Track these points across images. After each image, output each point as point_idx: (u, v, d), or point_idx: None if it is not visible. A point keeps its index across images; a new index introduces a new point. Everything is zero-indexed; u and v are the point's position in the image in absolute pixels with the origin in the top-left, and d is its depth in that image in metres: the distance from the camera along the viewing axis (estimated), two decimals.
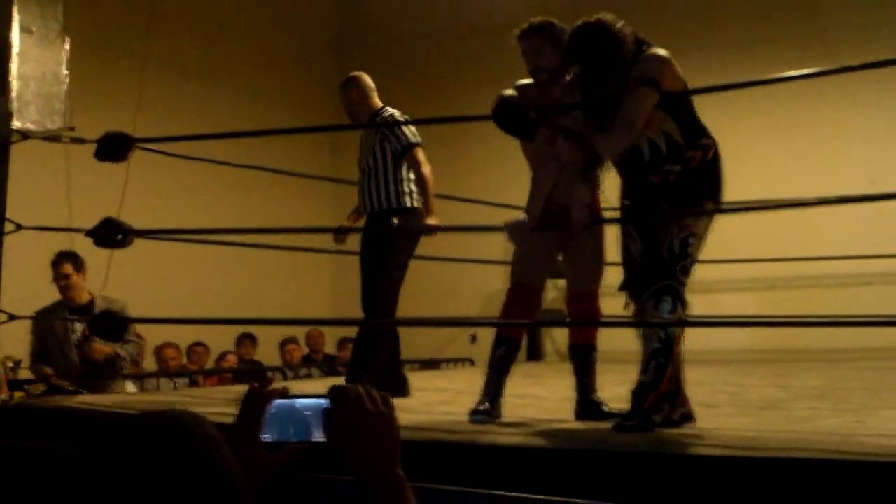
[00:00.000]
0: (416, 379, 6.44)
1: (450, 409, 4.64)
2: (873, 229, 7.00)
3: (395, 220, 5.13)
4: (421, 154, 5.10)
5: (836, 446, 3.04)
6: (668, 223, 3.60)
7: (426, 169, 5.07)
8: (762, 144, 7.98)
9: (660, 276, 3.58)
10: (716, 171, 3.71)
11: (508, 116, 3.77)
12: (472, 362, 8.04)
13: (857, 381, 5.61)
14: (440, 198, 6.01)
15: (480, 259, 7.82)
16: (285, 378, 7.35)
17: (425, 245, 7.83)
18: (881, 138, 7.75)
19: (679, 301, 3.60)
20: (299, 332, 8.25)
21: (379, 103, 5.37)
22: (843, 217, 6.12)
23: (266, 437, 1.58)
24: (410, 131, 5.15)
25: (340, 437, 1.49)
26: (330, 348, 8.64)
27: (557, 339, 8.51)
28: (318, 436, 1.54)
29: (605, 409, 4.07)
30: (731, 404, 4.72)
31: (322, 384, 6.30)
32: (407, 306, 8.23)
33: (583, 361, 4.18)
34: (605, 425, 3.70)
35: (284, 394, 1.60)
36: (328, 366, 8.16)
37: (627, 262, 3.75)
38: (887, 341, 5.64)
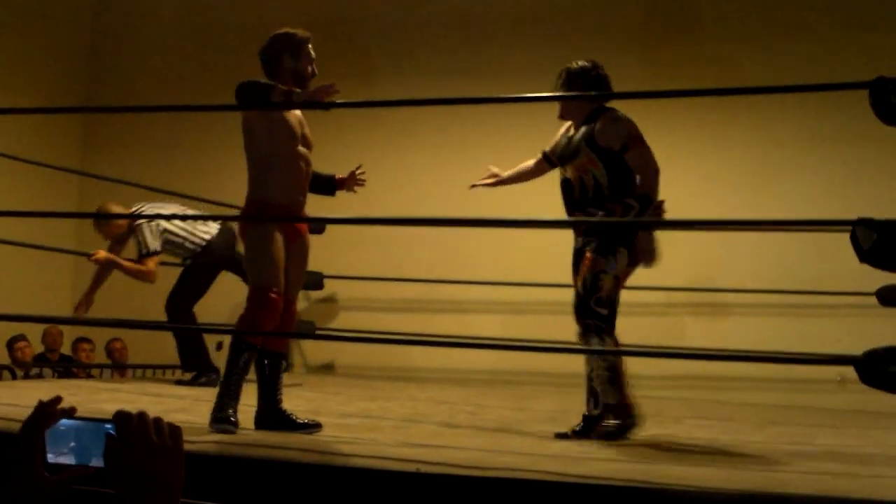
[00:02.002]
0: (156, 387, 6.21)
1: (188, 417, 4.48)
2: None
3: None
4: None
5: (560, 468, 3.14)
6: (588, 262, 4.26)
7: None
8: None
9: (581, 310, 4.28)
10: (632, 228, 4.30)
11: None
12: (217, 371, 7.80)
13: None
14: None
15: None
16: (14, 377, 6.89)
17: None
18: None
19: (603, 335, 4.25)
20: (31, 329, 7.75)
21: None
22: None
23: (50, 457, 1.51)
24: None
25: (117, 465, 1.41)
26: (66, 348, 8.17)
27: (307, 351, 8.42)
28: (98, 461, 1.47)
29: (296, 420, 4.08)
30: (469, 425, 4.80)
31: (56, 385, 5.95)
32: (151, 312, 7.96)
33: (273, 369, 4.18)
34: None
35: (71, 413, 1.53)
36: (63, 366, 7.72)
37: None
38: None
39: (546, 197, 7.63)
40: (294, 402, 5.47)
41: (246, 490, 3.19)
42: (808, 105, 7.13)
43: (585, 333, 4.28)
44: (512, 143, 8.00)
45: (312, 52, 4.25)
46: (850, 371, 3.07)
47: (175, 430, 1.46)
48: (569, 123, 4.52)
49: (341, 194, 4.67)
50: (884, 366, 2.93)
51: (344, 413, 5.00)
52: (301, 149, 4.21)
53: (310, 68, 4.21)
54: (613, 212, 4.26)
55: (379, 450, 3.54)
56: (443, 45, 8.41)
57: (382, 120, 8.28)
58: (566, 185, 4.43)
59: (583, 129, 4.35)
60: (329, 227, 7.18)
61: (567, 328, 7.30)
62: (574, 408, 5.82)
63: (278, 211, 4.14)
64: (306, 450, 3.46)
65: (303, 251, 4.33)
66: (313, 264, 8.04)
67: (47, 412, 1.52)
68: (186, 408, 4.87)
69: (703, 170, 7.25)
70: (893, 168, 7.04)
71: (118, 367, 7.76)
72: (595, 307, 4.25)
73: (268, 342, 4.14)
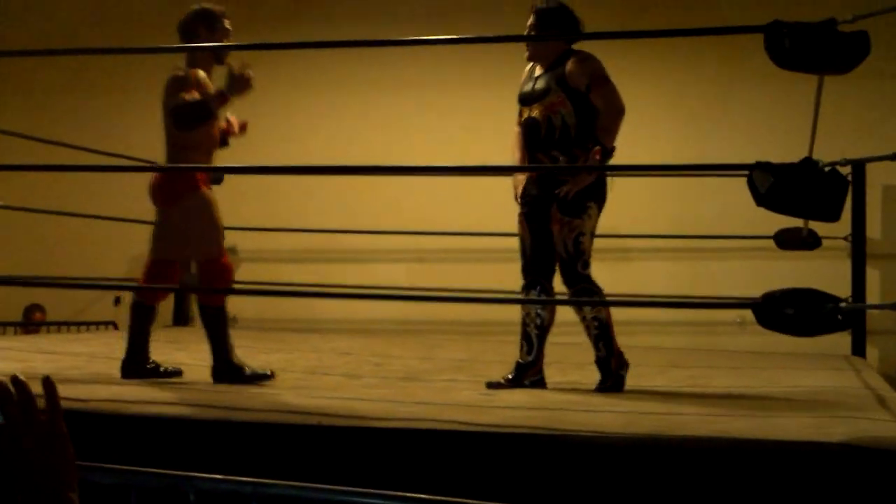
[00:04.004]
0: (51, 343, 6.03)
1: (83, 373, 4.36)
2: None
3: None
4: None
5: (466, 417, 3.13)
6: (561, 226, 4.22)
7: None
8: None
9: (569, 276, 4.26)
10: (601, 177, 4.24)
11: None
12: (115, 325, 7.64)
13: (496, 354, 5.86)
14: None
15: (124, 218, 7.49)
16: None
17: (66, 202, 7.34)
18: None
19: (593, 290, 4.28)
20: None
21: None
22: (488, 192, 6.30)
23: None
24: None
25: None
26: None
27: None
28: None
29: (247, 371, 4.21)
30: (374, 375, 4.76)
31: None
32: (49, 266, 7.73)
33: (219, 322, 4.28)
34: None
35: None
36: None
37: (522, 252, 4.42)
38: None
39: (445, 146, 7.67)
40: (196, 356, 5.38)
41: (140, 449, 3.10)
42: (712, 46, 7.16)
43: (578, 296, 4.28)
44: (438, 84, 7.95)
45: (228, 25, 4.39)
46: (749, 313, 3.10)
47: (57, 410, 1.32)
48: (531, 65, 4.44)
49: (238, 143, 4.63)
50: (780, 308, 2.96)
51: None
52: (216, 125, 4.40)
53: (226, 41, 4.37)
54: (577, 158, 4.20)
55: (280, 402, 3.48)
56: None
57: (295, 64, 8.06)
58: (529, 125, 4.31)
59: (554, 69, 4.27)
60: (227, 177, 7.01)
61: (474, 275, 7.36)
62: (480, 356, 5.86)
63: (203, 182, 4.32)
64: (204, 405, 3.38)
65: None
66: None
67: None
68: (80, 365, 4.74)
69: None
70: (793, 110, 7.13)
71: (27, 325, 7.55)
72: (581, 270, 4.24)
73: (216, 299, 4.31)
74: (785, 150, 7.33)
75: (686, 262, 7.44)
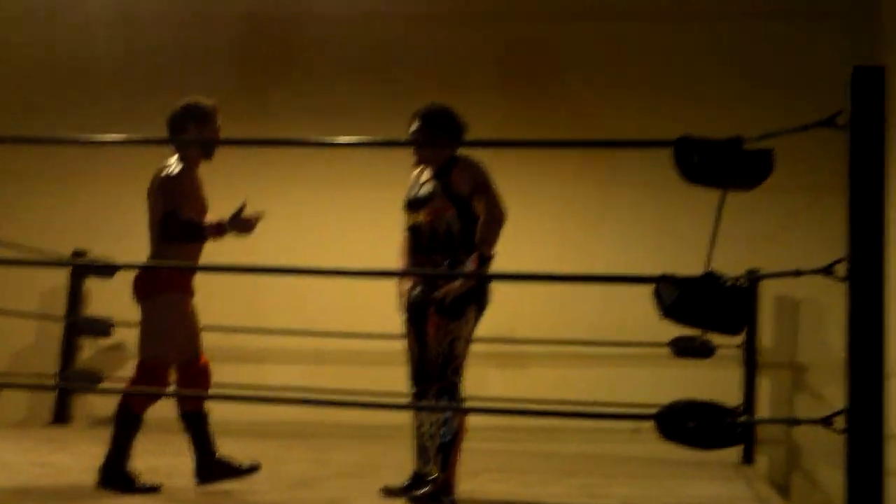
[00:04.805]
0: None
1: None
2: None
3: None
4: None
5: None
6: (437, 328, 4.13)
7: None
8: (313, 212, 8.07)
9: (437, 376, 4.11)
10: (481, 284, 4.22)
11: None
12: None
13: (391, 458, 5.74)
14: None
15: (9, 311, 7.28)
16: None
17: None
18: None
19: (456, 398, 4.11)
20: None
21: None
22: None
23: None
24: None
25: None
26: None
27: (93, 401, 7.94)
28: None
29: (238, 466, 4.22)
30: (266, 480, 4.59)
31: None
32: None
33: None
34: None
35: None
36: None
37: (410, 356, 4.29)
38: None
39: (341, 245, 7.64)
40: (80, 458, 5.12)
41: None
42: (623, 157, 7.32)
43: (438, 395, 4.12)
44: (335, 182, 7.92)
45: (219, 121, 4.33)
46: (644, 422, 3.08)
47: None
48: (419, 170, 4.42)
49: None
50: (683, 421, 2.95)
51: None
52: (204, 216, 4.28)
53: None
54: (461, 262, 4.16)
55: None
56: (293, 84, 8.21)
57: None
58: (415, 231, 4.28)
59: (440, 175, 4.26)
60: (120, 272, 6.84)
61: (370, 378, 7.26)
62: (375, 461, 5.73)
63: (182, 285, 4.22)
64: None
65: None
66: (101, 310, 7.72)
67: None
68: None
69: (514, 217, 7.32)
70: (697, 222, 7.30)
71: None
72: (451, 376, 4.12)
73: (191, 403, 4.21)
74: (667, 258, 7.59)
75: (583, 369, 7.46)
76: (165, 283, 4.15)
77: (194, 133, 4.24)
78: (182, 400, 4.20)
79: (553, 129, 7.43)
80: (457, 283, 4.15)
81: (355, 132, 7.12)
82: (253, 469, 4.21)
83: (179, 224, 4.09)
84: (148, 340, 4.19)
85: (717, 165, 2.95)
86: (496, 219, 4.18)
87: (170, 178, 4.16)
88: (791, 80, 7.48)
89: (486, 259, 4.14)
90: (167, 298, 4.15)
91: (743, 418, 2.95)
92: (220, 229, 4.11)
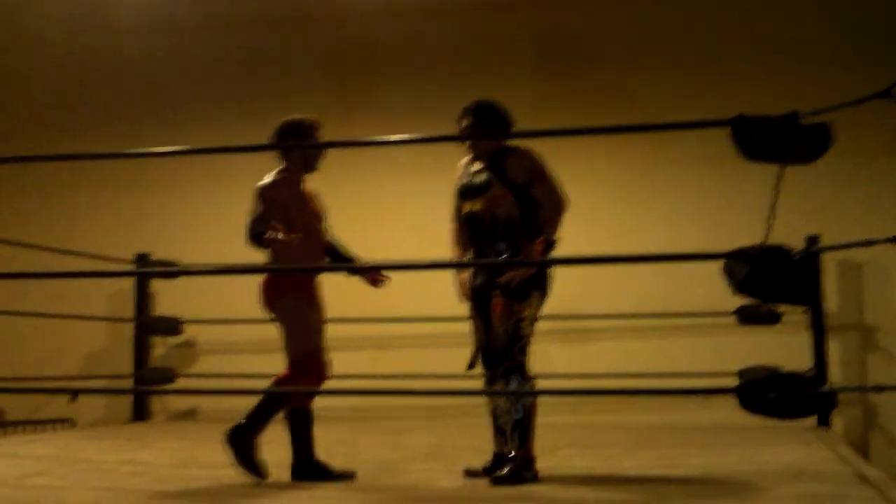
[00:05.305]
0: (9, 444, 5.88)
1: (48, 481, 4.24)
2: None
3: None
4: None
5: None
6: (503, 309, 4.22)
7: None
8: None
9: (504, 356, 4.20)
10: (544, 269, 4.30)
11: None
12: (72, 422, 7.51)
13: (465, 438, 5.81)
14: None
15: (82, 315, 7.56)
16: None
17: (25, 301, 7.30)
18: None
19: (526, 376, 4.20)
20: None
21: None
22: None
23: None
24: None
25: None
26: None
27: (168, 397, 8.12)
28: None
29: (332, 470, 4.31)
30: (347, 466, 4.68)
31: None
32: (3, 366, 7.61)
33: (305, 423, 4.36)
34: None
35: None
36: None
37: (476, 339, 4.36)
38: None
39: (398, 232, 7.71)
40: (163, 454, 5.27)
41: None
42: (680, 136, 7.33)
43: (506, 374, 4.21)
44: (386, 176, 8.00)
45: (319, 135, 4.55)
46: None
47: None
48: (467, 159, 4.48)
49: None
50: (764, 393, 2.98)
51: (214, 463, 4.78)
52: (316, 225, 4.52)
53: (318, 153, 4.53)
54: (522, 247, 4.24)
55: (262, 501, 3.40)
56: (326, 81, 8.31)
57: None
58: (472, 219, 4.35)
59: (492, 164, 4.33)
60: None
61: (436, 360, 7.31)
62: (450, 442, 5.81)
63: (302, 285, 4.42)
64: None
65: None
66: (169, 309, 7.88)
67: None
68: (44, 470, 4.61)
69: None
70: (756, 198, 7.28)
71: None
72: (518, 355, 4.21)
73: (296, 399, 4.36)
74: (715, 230, 7.53)
75: (646, 340, 7.48)
76: (283, 288, 4.36)
77: (296, 150, 4.44)
78: (291, 396, 4.33)
79: (592, 112, 7.45)
80: (525, 269, 4.23)
81: (394, 122, 7.25)
82: (346, 476, 4.30)
83: (249, 231, 4.26)
84: (288, 339, 4.37)
85: (776, 141, 2.97)
86: (557, 204, 4.28)
87: (258, 188, 4.38)
88: (836, 55, 7.42)
89: (550, 244, 4.21)
90: (287, 301, 4.34)
91: (825, 387, 2.97)
92: (269, 241, 4.17)
